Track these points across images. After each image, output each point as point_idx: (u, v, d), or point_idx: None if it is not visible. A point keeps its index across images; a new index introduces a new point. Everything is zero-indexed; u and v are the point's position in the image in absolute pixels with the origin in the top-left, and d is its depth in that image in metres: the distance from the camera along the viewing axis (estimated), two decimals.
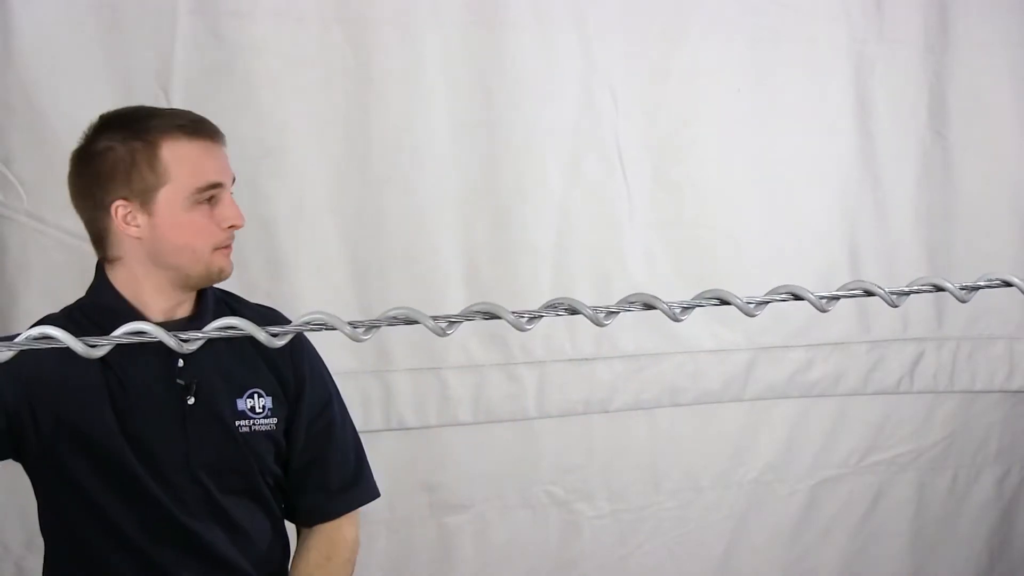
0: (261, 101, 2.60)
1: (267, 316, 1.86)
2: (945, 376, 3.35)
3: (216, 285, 1.88)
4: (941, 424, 3.40)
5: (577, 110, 2.92)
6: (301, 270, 2.67)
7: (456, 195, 2.81)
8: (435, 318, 1.31)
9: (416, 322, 1.23)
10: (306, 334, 1.79)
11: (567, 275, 2.92)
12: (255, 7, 2.59)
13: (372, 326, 1.37)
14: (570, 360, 2.96)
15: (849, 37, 3.17)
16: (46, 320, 1.80)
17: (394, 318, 1.33)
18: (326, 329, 1.30)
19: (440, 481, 2.90)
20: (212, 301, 1.85)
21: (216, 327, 0.97)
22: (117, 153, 1.76)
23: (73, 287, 2.43)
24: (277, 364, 1.86)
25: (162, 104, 2.45)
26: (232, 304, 1.90)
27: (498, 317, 1.23)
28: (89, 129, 1.81)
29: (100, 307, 1.78)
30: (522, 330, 1.26)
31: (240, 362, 1.81)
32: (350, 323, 1.23)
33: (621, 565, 3.13)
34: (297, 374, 1.89)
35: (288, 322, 1.71)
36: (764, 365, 3.16)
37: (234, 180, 1.83)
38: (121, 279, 1.80)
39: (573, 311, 1.22)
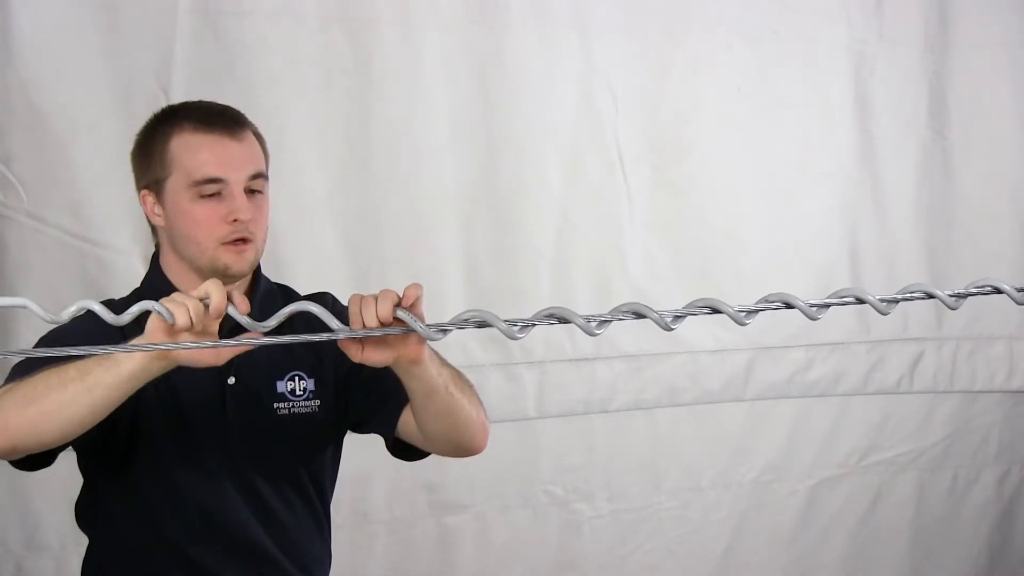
0: (261, 101, 2.60)
1: (320, 300, 1.84)
2: (945, 376, 3.36)
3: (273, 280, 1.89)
4: (941, 424, 3.40)
5: (577, 110, 2.92)
6: (301, 270, 2.67)
7: (456, 195, 2.81)
8: (429, 326, 1.32)
9: (412, 330, 1.24)
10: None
11: (567, 274, 2.93)
12: (255, 7, 2.59)
13: (367, 335, 1.38)
14: (570, 360, 2.96)
15: (849, 37, 3.17)
16: (107, 304, 1.80)
17: (390, 326, 1.34)
18: (326, 337, 1.31)
19: (440, 481, 2.91)
20: (263, 289, 1.85)
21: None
22: (147, 144, 1.80)
23: (73, 287, 2.44)
24: (324, 343, 1.76)
25: (162, 104, 2.44)
26: (284, 294, 1.89)
27: (489, 325, 1.24)
28: (148, 120, 1.84)
29: (154, 290, 1.76)
30: (513, 338, 1.26)
31: (283, 344, 1.73)
32: (341, 329, 1.23)
33: (621, 565, 3.13)
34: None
35: (342, 306, 1.69)
36: (764, 365, 3.16)
37: (259, 175, 1.79)
38: (166, 264, 1.82)
39: (564, 320, 1.22)
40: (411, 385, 1.67)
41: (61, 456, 1.73)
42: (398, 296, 1.51)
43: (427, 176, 2.78)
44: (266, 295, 1.85)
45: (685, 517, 3.18)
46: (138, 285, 1.88)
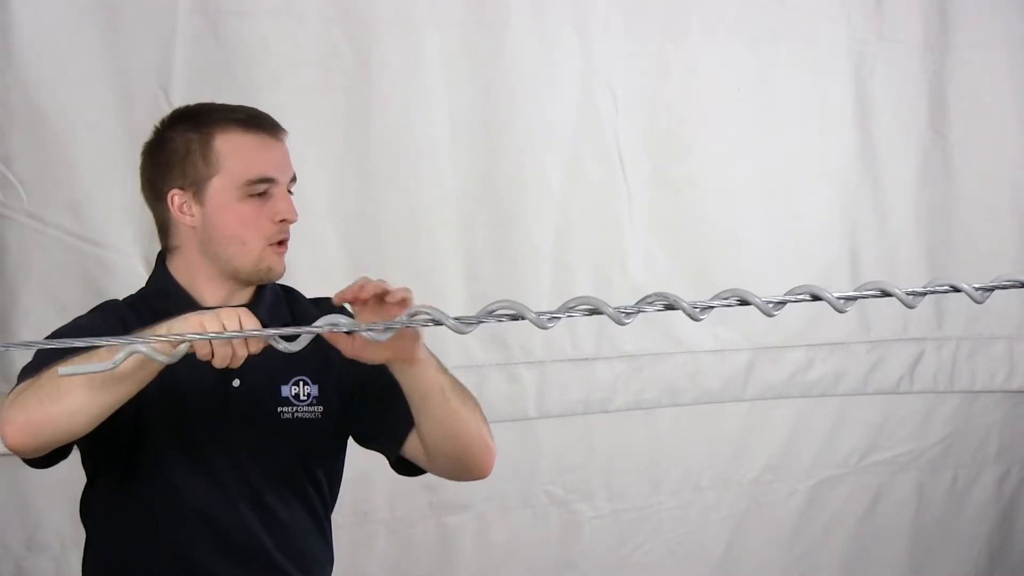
0: (261, 101, 2.58)
1: (324, 307, 1.84)
2: (945, 376, 3.36)
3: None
4: (941, 424, 3.40)
5: (577, 110, 2.92)
6: (301, 270, 2.66)
7: (456, 195, 2.81)
8: (457, 319, 1.32)
9: (440, 323, 1.23)
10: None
11: (567, 275, 2.92)
12: (255, 7, 2.59)
13: (389, 328, 1.38)
14: (570, 360, 2.96)
15: (849, 37, 3.17)
16: (107, 306, 1.82)
17: (418, 318, 1.33)
18: (436, 324, 1.30)
19: (440, 481, 2.89)
20: (270, 292, 1.85)
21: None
22: (175, 144, 1.78)
23: (73, 287, 2.44)
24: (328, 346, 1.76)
25: (162, 104, 2.44)
26: (289, 298, 1.90)
27: (521, 317, 1.24)
28: (159, 123, 1.83)
29: (159, 293, 1.80)
30: (544, 328, 1.26)
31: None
32: (369, 326, 1.22)
33: (621, 565, 3.13)
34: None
35: (349, 314, 1.72)
36: (764, 365, 3.16)
37: (294, 179, 1.82)
38: (178, 268, 1.81)
39: (595, 311, 1.22)
40: (407, 385, 1.69)
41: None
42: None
43: (427, 176, 2.78)
44: (273, 300, 1.85)
45: (685, 517, 3.18)
46: (143, 285, 1.87)
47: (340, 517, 2.76)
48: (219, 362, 1.49)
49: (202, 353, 1.48)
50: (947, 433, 3.41)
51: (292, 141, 2.63)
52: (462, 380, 2.81)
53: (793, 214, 3.16)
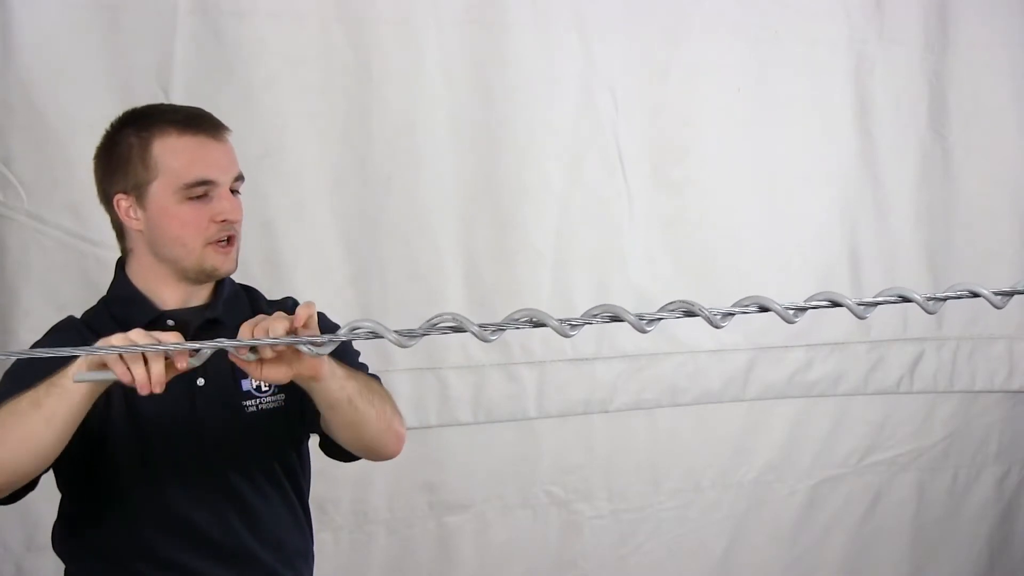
0: (261, 101, 2.60)
1: (281, 305, 1.88)
2: (945, 376, 3.36)
3: (238, 280, 1.89)
4: (941, 424, 3.40)
5: (577, 110, 2.92)
6: (301, 270, 2.67)
7: (456, 195, 2.81)
8: (482, 326, 1.32)
9: (463, 330, 1.23)
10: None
11: (567, 275, 2.92)
12: (255, 7, 2.59)
13: (413, 335, 1.39)
14: (570, 360, 2.96)
15: (849, 37, 3.17)
16: (66, 325, 1.83)
17: (440, 326, 1.33)
18: (375, 337, 1.31)
19: (440, 481, 2.91)
20: (228, 290, 1.86)
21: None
22: (119, 148, 1.79)
23: (73, 287, 2.44)
24: None
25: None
26: (250, 296, 1.91)
27: (543, 324, 1.24)
28: (110, 125, 1.83)
29: (120, 300, 1.82)
30: (566, 336, 1.28)
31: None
32: (397, 331, 1.23)
33: (621, 565, 3.13)
34: None
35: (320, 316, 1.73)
36: (764, 365, 3.16)
37: (240, 177, 1.83)
38: (135, 272, 1.83)
39: (616, 318, 1.22)
40: (315, 399, 1.71)
41: None
42: (289, 319, 1.55)
43: (427, 176, 2.78)
44: (231, 297, 1.86)
45: (685, 517, 3.18)
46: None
47: (340, 517, 2.79)
48: (140, 385, 1.50)
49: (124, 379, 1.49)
50: (947, 433, 3.41)
51: (292, 141, 2.65)
52: (459, 380, 2.84)
53: (793, 214, 3.16)
